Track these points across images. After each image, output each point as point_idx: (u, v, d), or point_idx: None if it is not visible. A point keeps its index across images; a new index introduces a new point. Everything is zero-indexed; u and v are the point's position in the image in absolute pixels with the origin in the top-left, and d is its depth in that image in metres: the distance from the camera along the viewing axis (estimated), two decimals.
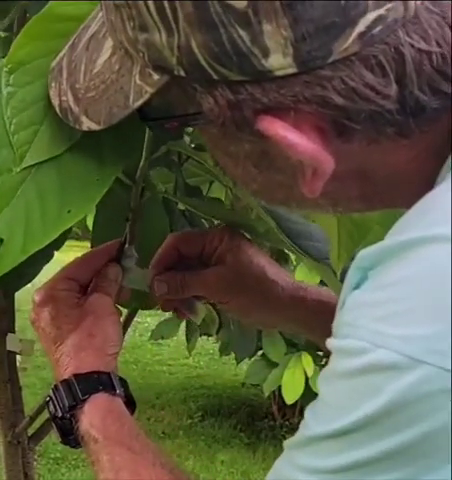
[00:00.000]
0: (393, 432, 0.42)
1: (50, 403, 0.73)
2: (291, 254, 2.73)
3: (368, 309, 0.44)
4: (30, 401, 1.25)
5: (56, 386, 0.73)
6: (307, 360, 3.95)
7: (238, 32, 0.46)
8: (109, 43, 0.55)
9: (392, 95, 0.46)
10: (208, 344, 5.49)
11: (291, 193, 0.53)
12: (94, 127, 0.59)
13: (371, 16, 0.45)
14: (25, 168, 0.64)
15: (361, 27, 0.45)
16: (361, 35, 0.45)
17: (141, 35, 0.50)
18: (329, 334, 0.80)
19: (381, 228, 0.72)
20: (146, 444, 0.70)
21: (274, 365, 4.07)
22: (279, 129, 0.48)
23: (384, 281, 0.44)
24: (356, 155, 0.50)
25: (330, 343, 0.46)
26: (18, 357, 1.26)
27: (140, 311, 1.37)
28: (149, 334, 4.63)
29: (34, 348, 1.30)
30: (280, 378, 3.98)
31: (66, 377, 0.72)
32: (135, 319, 1.02)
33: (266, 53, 0.46)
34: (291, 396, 3.95)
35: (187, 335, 4.24)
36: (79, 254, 0.80)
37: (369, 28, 0.45)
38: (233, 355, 4.19)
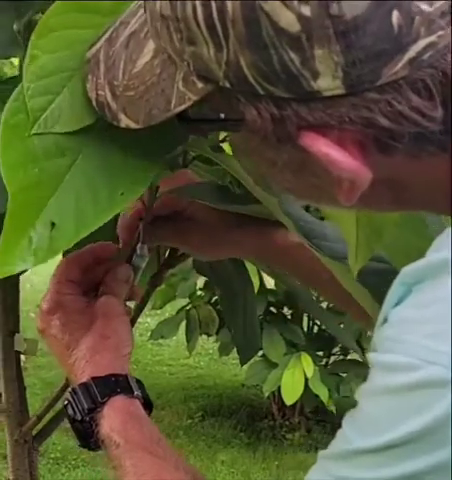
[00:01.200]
0: (439, 446, 0.43)
1: (69, 406, 0.74)
2: None
3: (415, 325, 0.44)
4: (31, 401, 1.25)
5: (74, 389, 0.73)
6: (307, 361, 3.95)
7: (289, 54, 0.46)
8: (151, 45, 0.55)
9: (437, 118, 0.47)
10: (208, 344, 5.48)
11: (324, 194, 0.54)
12: (133, 126, 0.59)
13: (422, 43, 0.45)
14: (70, 153, 0.65)
15: (411, 53, 0.45)
16: (411, 61, 0.46)
17: (188, 47, 0.50)
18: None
19: (397, 229, 0.72)
20: (168, 448, 0.70)
21: (274, 365, 4.07)
22: (322, 146, 0.48)
23: (430, 297, 0.44)
24: (394, 167, 0.50)
25: (371, 357, 0.46)
26: (22, 357, 1.27)
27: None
28: (149, 334, 4.63)
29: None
30: (280, 379, 3.98)
31: (84, 380, 0.72)
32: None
33: (315, 75, 0.47)
34: (291, 397, 3.95)
35: (187, 335, 4.24)
36: None
37: (419, 54, 0.46)
38: (233, 355, 4.19)
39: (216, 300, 4.03)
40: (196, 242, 0.83)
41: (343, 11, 0.45)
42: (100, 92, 0.61)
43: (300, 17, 0.45)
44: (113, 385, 0.72)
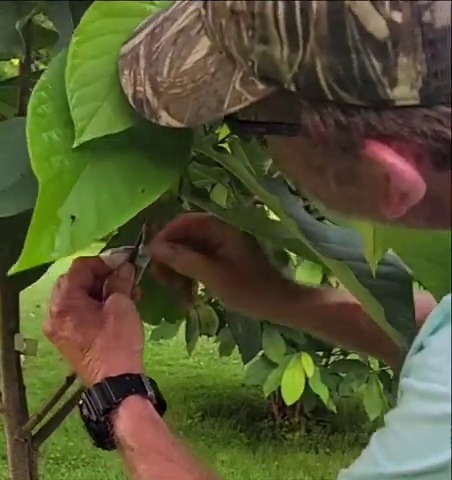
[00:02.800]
0: None
1: (84, 407, 0.74)
2: (292, 254, 2.73)
3: None
4: (30, 401, 1.26)
5: (89, 390, 0.74)
6: (307, 361, 3.95)
7: (371, 60, 0.45)
8: (205, 43, 0.53)
9: None
10: (208, 344, 5.48)
11: (361, 206, 0.53)
12: (175, 124, 0.57)
13: None
14: (88, 148, 0.64)
15: None
16: None
17: (258, 46, 0.48)
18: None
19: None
20: (182, 450, 0.71)
21: (274, 365, 4.07)
22: (387, 156, 0.48)
23: None
24: (440, 182, 0.50)
25: (405, 383, 0.46)
26: (21, 357, 1.27)
27: None
28: (149, 334, 4.63)
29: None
30: (280, 379, 3.98)
31: (98, 381, 0.73)
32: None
33: (394, 83, 0.46)
34: (291, 397, 3.95)
35: (187, 335, 4.24)
36: (83, 254, 0.80)
37: None
38: (233, 355, 4.19)
39: (216, 300, 4.04)
40: (218, 281, 0.83)
41: (435, 20, 0.44)
42: (139, 88, 0.59)
43: (390, 23, 0.45)
44: (127, 385, 0.73)
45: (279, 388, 4.01)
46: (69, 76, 0.63)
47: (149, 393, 0.74)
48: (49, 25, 1.17)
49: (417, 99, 0.46)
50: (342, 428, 4.57)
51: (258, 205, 1.31)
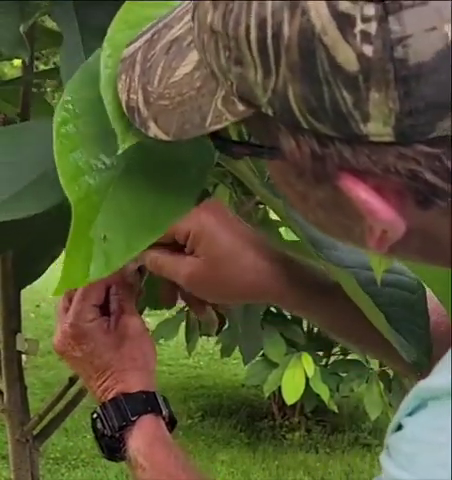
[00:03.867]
0: None
1: (98, 421, 0.75)
2: None
3: (430, 451, 0.44)
4: (30, 401, 1.26)
5: (104, 404, 0.74)
6: (307, 360, 3.96)
7: (342, 93, 0.43)
8: (194, 56, 0.52)
9: None
10: (208, 344, 5.48)
11: (353, 235, 0.52)
12: (162, 137, 0.55)
13: None
14: (112, 167, 0.64)
15: None
16: None
17: (235, 67, 0.47)
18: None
19: None
20: (192, 473, 0.72)
21: (274, 365, 4.07)
22: (361, 192, 0.46)
23: (447, 424, 0.44)
24: (426, 220, 0.48)
25: (384, 460, 0.46)
26: (23, 357, 1.27)
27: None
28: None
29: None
30: (280, 379, 3.98)
31: (113, 396, 0.74)
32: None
33: (366, 119, 0.44)
34: (291, 396, 3.96)
35: (187, 336, 4.24)
36: None
37: None
38: (233, 355, 4.19)
39: None
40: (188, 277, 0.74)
41: (408, 56, 0.42)
42: (132, 96, 0.57)
43: (361, 56, 0.42)
44: (143, 403, 0.74)
45: (279, 388, 4.01)
46: (107, 87, 0.61)
47: (164, 412, 0.75)
48: (51, 24, 1.17)
49: (391, 136, 0.44)
50: (342, 428, 4.57)
51: (260, 206, 1.31)
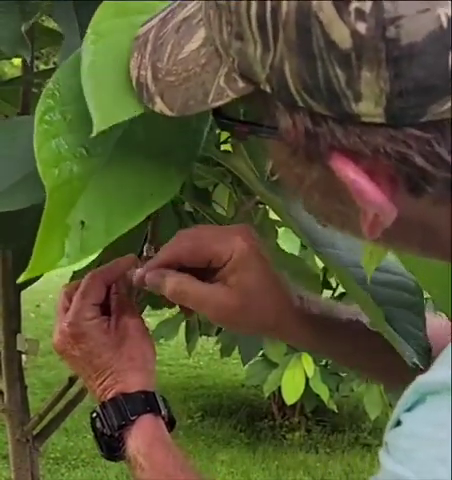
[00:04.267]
0: None
1: (97, 420, 0.75)
2: None
3: (429, 446, 0.44)
4: (30, 401, 1.26)
5: (104, 404, 0.74)
6: (307, 361, 3.96)
7: (335, 70, 0.44)
8: (201, 34, 0.53)
9: None
10: (208, 344, 5.48)
11: (348, 222, 0.52)
12: (167, 112, 0.56)
13: None
14: (96, 153, 0.64)
15: None
16: None
17: (236, 43, 0.48)
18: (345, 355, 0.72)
19: None
20: (191, 474, 0.72)
21: (274, 365, 4.07)
22: (350, 172, 0.46)
23: (445, 418, 0.44)
24: (421, 209, 0.48)
25: (383, 456, 0.46)
26: (23, 357, 1.27)
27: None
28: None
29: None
30: (280, 379, 3.98)
31: (113, 396, 0.74)
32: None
33: (358, 98, 0.44)
34: (291, 397, 3.96)
35: (187, 336, 4.24)
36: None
37: None
38: (233, 355, 4.19)
39: None
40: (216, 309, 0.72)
41: (400, 36, 0.42)
42: (142, 72, 0.58)
43: (354, 33, 0.43)
44: (143, 403, 0.74)
45: (279, 388, 4.01)
46: (87, 75, 0.62)
47: (163, 412, 0.75)
48: (51, 23, 1.17)
49: (383, 117, 0.44)
50: (342, 428, 4.57)
51: (260, 205, 1.31)
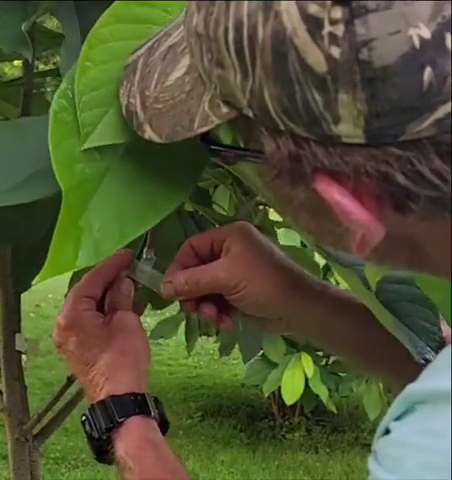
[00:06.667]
0: None
1: (86, 423, 0.74)
2: None
3: (417, 453, 0.44)
4: (30, 401, 1.26)
5: (92, 406, 0.74)
6: (307, 361, 3.96)
7: (313, 94, 0.44)
8: (186, 61, 0.54)
9: None
10: (208, 344, 5.48)
11: (340, 240, 0.52)
12: (155, 139, 0.58)
13: None
14: (108, 155, 0.64)
15: (440, 114, 0.43)
16: (438, 121, 0.43)
17: (216, 70, 0.49)
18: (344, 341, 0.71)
19: None
20: (181, 478, 0.72)
21: (274, 365, 4.07)
22: (335, 193, 0.47)
23: (437, 428, 0.44)
24: (409, 226, 0.48)
25: (371, 463, 0.46)
26: (23, 357, 1.27)
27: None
28: (149, 334, 4.63)
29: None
30: (280, 378, 3.98)
31: (102, 398, 0.73)
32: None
33: (337, 120, 0.45)
34: (291, 397, 3.96)
35: (186, 335, 4.24)
36: None
37: (448, 116, 0.43)
38: (233, 355, 4.19)
39: None
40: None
41: (372, 58, 0.43)
42: (131, 100, 0.60)
43: (328, 58, 0.43)
44: (131, 405, 0.73)
45: (279, 388, 4.01)
46: (78, 79, 0.63)
47: (153, 413, 0.74)
48: (51, 24, 1.17)
49: (362, 138, 0.45)
50: (342, 428, 4.57)
51: (260, 206, 1.32)
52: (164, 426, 0.76)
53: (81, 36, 0.80)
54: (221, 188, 1.33)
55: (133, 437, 0.72)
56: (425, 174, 0.45)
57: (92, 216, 0.63)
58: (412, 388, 0.46)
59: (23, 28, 0.82)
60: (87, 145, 0.63)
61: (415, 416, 0.45)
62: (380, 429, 0.48)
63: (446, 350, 0.47)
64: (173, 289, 0.75)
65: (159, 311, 5.13)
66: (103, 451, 0.74)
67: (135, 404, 0.73)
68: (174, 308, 4.73)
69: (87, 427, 0.74)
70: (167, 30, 0.60)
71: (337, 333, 0.78)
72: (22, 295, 1.21)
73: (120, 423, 0.72)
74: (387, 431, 0.47)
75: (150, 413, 0.74)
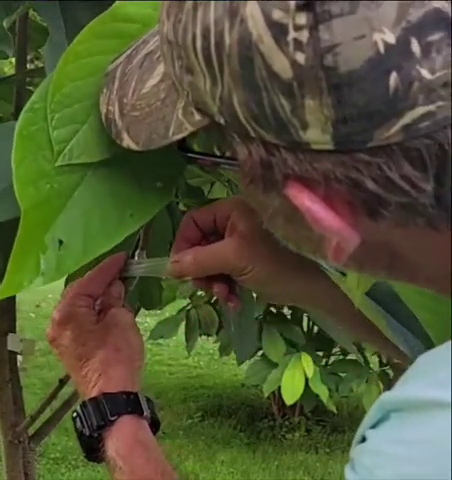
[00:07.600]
0: None
1: (77, 420, 0.74)
2: None
3: (391, 462, 0.44)
4: (30, 401, 1.26)
5: (84, 403, 0.73)
6: (307, 361, 3.95)
7: (280, 100, 0.44)
8: (161, 68, 0.55)
9: (428, 190, 0.44)
10: (208, 344, 5.49)
11: (318, 248, 0.51)
12: (133, 147, 0.58)
13: (420, 111, 0.43)
14: (78, 171, 0.64)
15: (407, 119, 0.43)
16: (406, 127, 0.43)
17: (187, 77, 0.49)
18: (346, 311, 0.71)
19: None
20: (170, 478, 0.71)
21: (274, 365, 4.07)
22: (305, 200, 0.46)
23: (411, 437, 0.43)
24: (383, 233, 0.48)
25: (347, 473, 0.46)
26: (19, 357, 1.26)
27: (140, 311, 1.37)
28: (148, 334, 4.63)
29: (35, 348, 1.31)
30: (280, 378, 3.98)
31: (94, 395, 0.73)
32: (135, 319, 1.03)
33: (305, 126, 0.44)
34: (291, 397, 3.95)
35: (186, 335, 4.24)
36: None
37: (415, 121, 0.43)
38: (233, 355, 4.19)
39: (216, 300, 4.04)
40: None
41: (337, 64, 0.42)
42: (110, 108, 0.60)
43: (294, 64, 0.43)
44: (124, 403, 0.73)
45: (279, 388, 4.00)
46: (52, 96, 0.63)
47: (145, 413, 0.73)
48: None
49: (331, 144, 0.44)
50: (342, 428, 4.57)
51: None
52: (155, 426, 0.75)
53: (65, 34, 0.80)
54: (217, 185, 1.32)
55: (124, 437, 0.72)
56: (395, 180, 0.44)
57: (58, 232, 0.62)
58: (387, 396, 0.46)
59: (5, 25, 0.81)
60: (59, 163, 0.63)
61: (390, 424, 0.45)
62: (357, 436, 0.48)
63: (421, 358, 0.46)
64: (180, 269, 0.73)
65: (159, 311, 5.14)
66: (93, 449, 0.73)
67: (128, 403, 0.73)
68: (174, 308, 4.74)
69: (78, 424, 0.74)
70: (145, 38, 0.60)
71: (344, 302, 0.75)
72: (22, 295, 1.20)
73: (112, 421, 0.72)
74: (363, 439, 0.47)
75: (142, 413, 0.73)
